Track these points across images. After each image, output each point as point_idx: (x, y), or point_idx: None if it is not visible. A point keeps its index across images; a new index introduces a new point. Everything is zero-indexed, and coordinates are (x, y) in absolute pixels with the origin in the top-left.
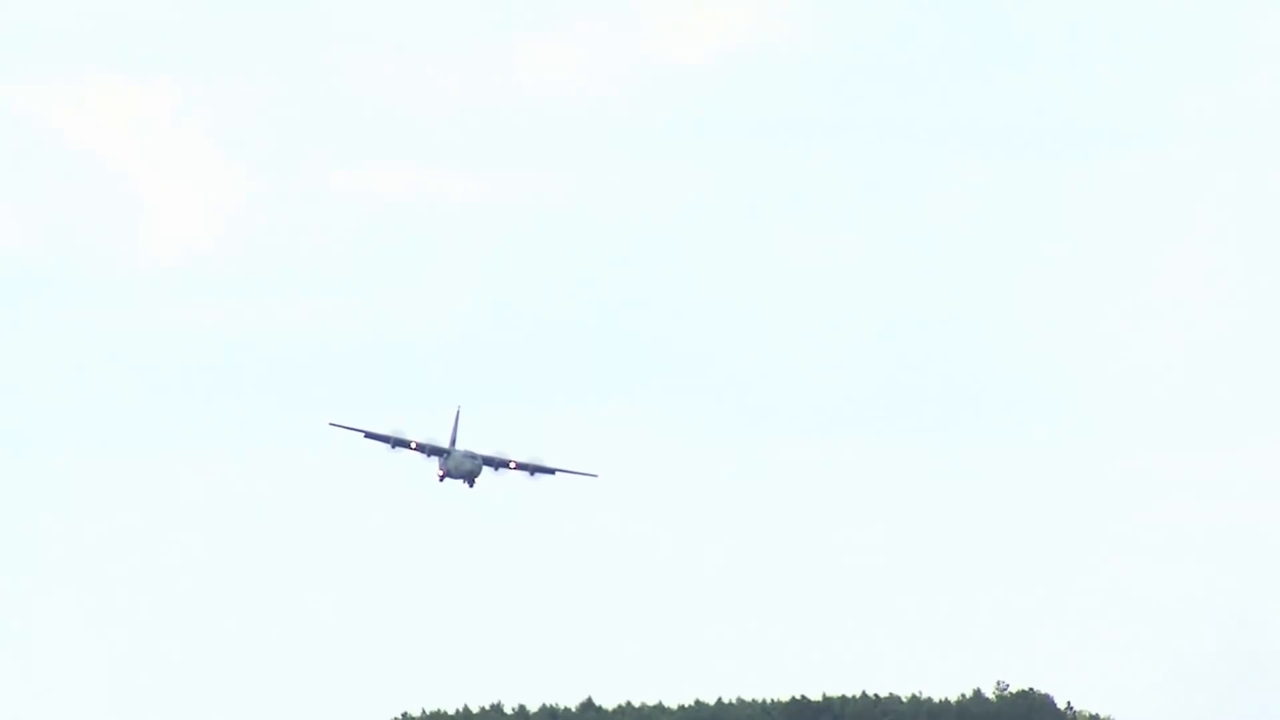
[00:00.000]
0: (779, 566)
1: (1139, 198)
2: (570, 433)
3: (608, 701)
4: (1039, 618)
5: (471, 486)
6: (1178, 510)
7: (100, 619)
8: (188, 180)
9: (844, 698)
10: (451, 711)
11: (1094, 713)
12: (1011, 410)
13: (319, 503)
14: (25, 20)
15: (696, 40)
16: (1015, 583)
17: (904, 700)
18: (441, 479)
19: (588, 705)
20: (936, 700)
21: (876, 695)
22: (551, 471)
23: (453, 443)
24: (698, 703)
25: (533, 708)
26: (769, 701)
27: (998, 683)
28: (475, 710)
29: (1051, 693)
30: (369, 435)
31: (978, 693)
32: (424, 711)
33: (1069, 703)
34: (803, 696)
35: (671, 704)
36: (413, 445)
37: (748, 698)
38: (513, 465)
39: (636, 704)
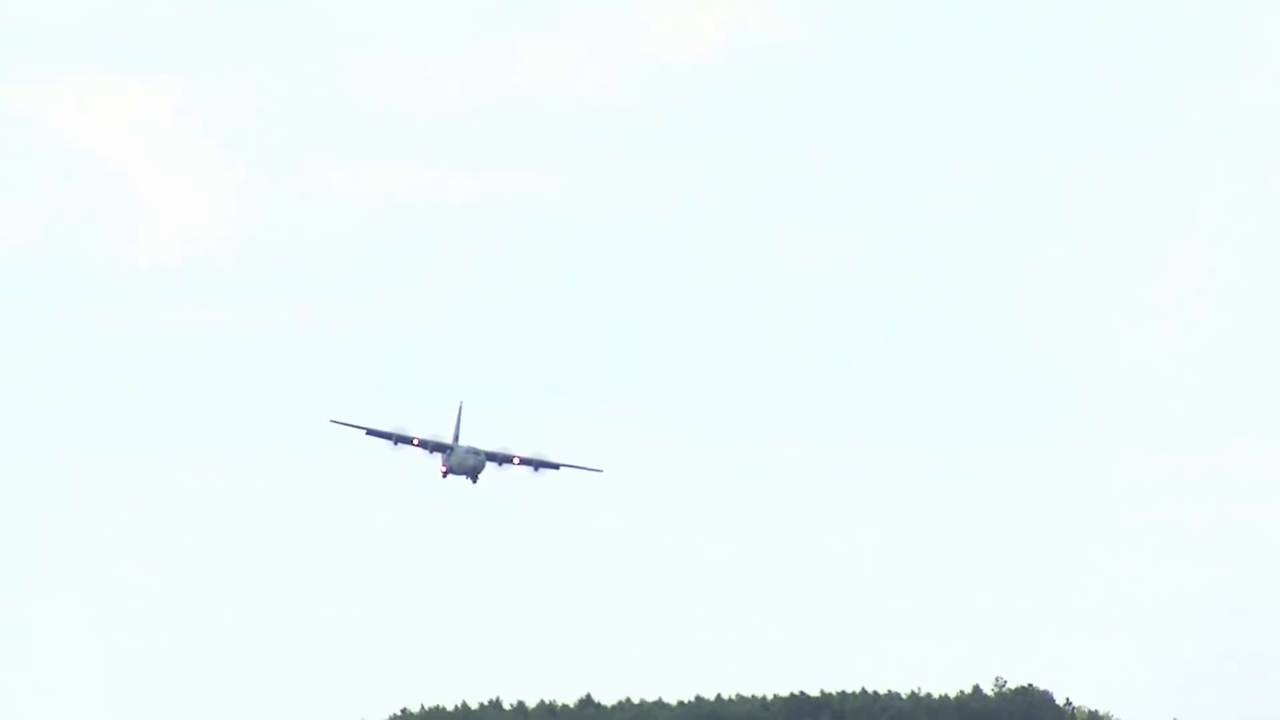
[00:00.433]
0: (779, 563)
1: (1139, 196)
2: (574, 428)
3: (607, 698)
4: (1038, 614)
5: (475, 482)
6: (1176, 508)
7: (101, 617)
8: (188, 179)
9: (843, 694)
10: (451, 708)
11: (1093, 709)
12: (1010, 408)
13: (321, 500)
14: (25, 20)
15: (696, 39)
16: (1014, 579)
17: (903, 697)
18: (445, 475)
19: (587, 702)
20: (936, 696)
21: (876, 692)
22: (556, 467)
23: (455, 439)
24: (697, 699)
25: (531, 704)
26: (768, 698)
27: (996, 679)
28: (474, 706)
29: (1050, 689)
30: (371, 432)
31: (977, 689)
32: (423, 707)
33: (1068, 699)
34: (802, 693)
35: (671, 700)
36: (415, 442)
37: (747, 694)
38: (516, 461)
39: (636, 700)
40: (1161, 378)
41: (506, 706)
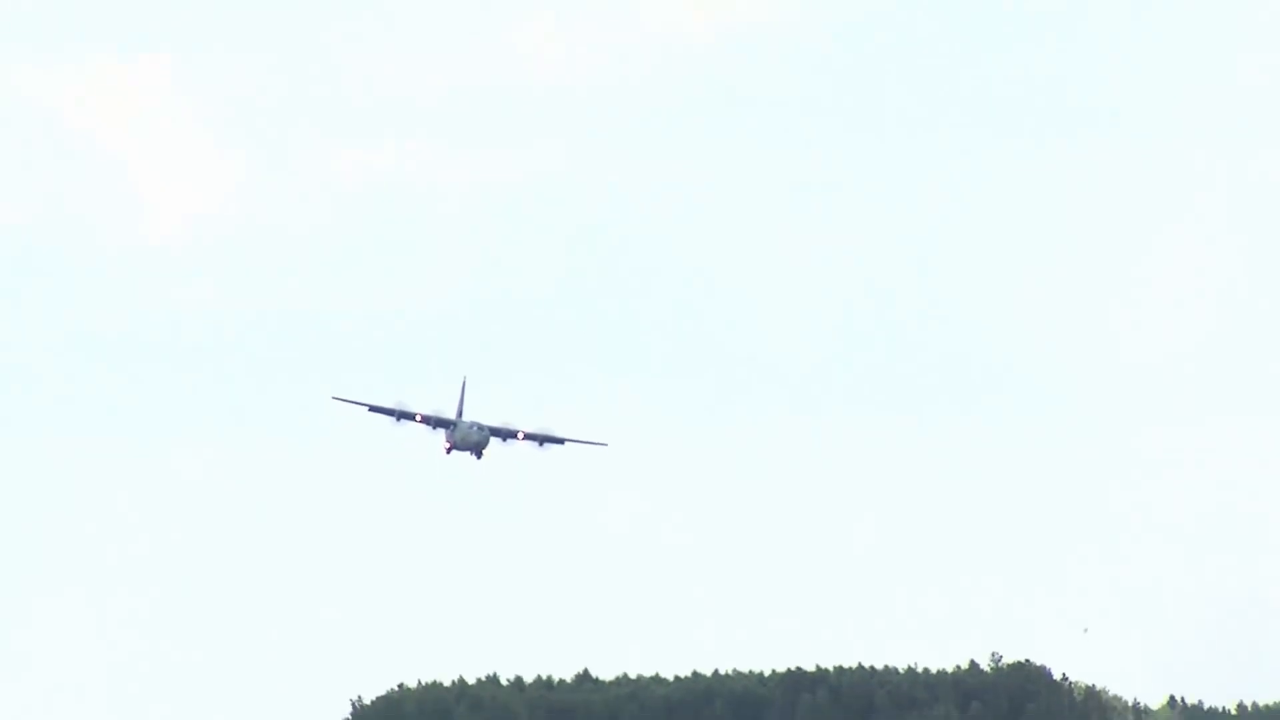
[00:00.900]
0: (777, 539)
1: (1136, 178)
2: (578, 403)
3: (604, 673)
4: (1034, 590)
5: (479, 458)
6: (1173, 485)
7: (103, 595)
8: (184, 158)
9: (840, 669)
10: (448, 683)
11: (1089, 684)
12: (1009, 387)
13: (323, 478)
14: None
15: (693, 17)
16: (1010, 556)
17: (900, 672)
18: (449, 451)
19: (584, 677)
20: (933, 672)
21: (872, 667)
22: (561, 441)
23: (459, 415)
24: (694, 674)
25: (529, 679)
26: (765, 673)
27: (993, 654)
28: (471, 682)
29: (1046, 664)
30: (373, 409)
31: (973, 664)
32: (420, 683)
33: (1064, 674)
34: (799, 668)
35: (668, 675)
36: (418, 418)
37: (744, 669)
38: (521, 436)
39: (633, 675)
40: (1158, 353)
41: (504, 682)
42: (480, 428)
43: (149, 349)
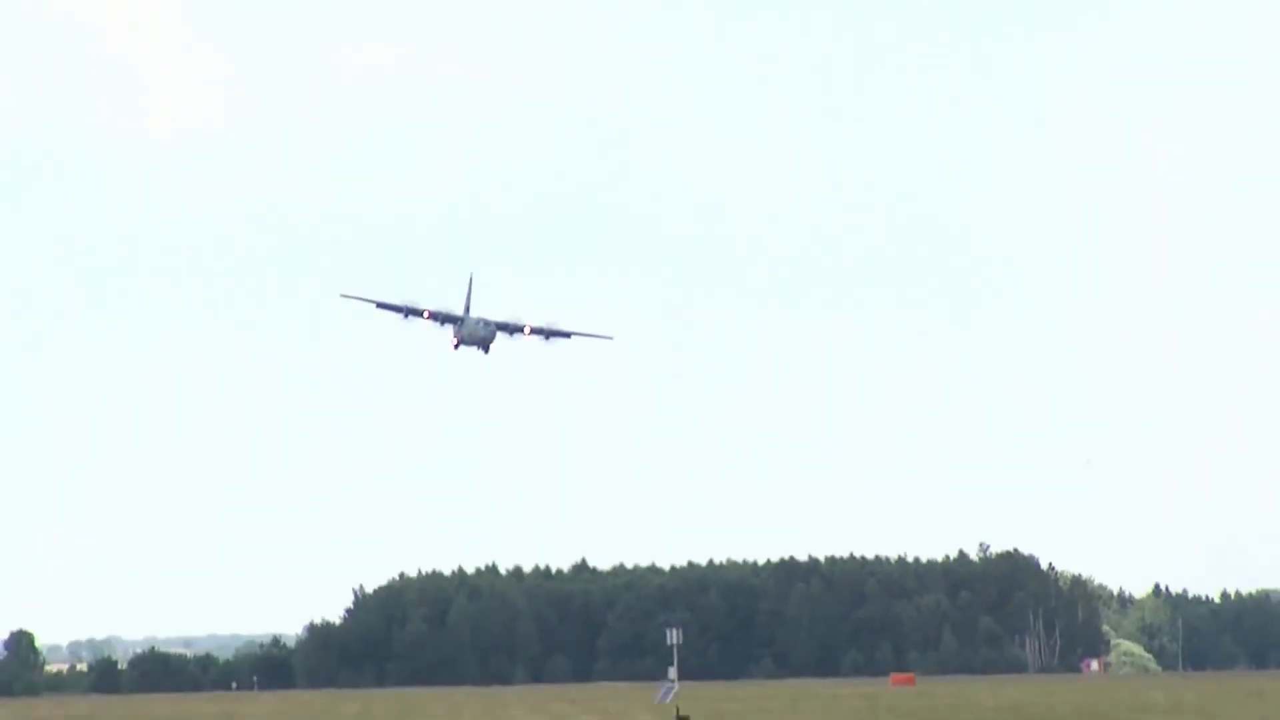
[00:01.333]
0: (772, 431)
1: (1124, 66)
2: (584, 297)
3: (602, 563)
4: (1022, 482)
5: (486, 353)
6: (1161, 380)
7: (113, 489)
8: (190, 58)
9: (832, 559)
10: (448, 573)
11: (1076, 573)
12: (1001, 277)
13: (332, 373)
14: None
15: None
16: (999, 448)
17: (891, 561)
18: (456, 346)
19: (581, 567)
20: (923, 561)
21: (863, 557)
22: (567, 335)
23: (466, 310)
24: (690, 564)
25: (528, 569)
26: (759, 563)
27: (981, 544)
28: (471, 571)
29: (1034, 554)
30: (381, 305)
31: (962, 554)
32: (420, 572)
33: (1051, 564)
34: (791, 558)
35: (664, 565)
36: (425, 314)
37: (738, 559)
38: (527, 330)
39: (629, 566)
40: (1149, 252)
41: (503, 571)
42: (487, 323)
43: (156, 247)
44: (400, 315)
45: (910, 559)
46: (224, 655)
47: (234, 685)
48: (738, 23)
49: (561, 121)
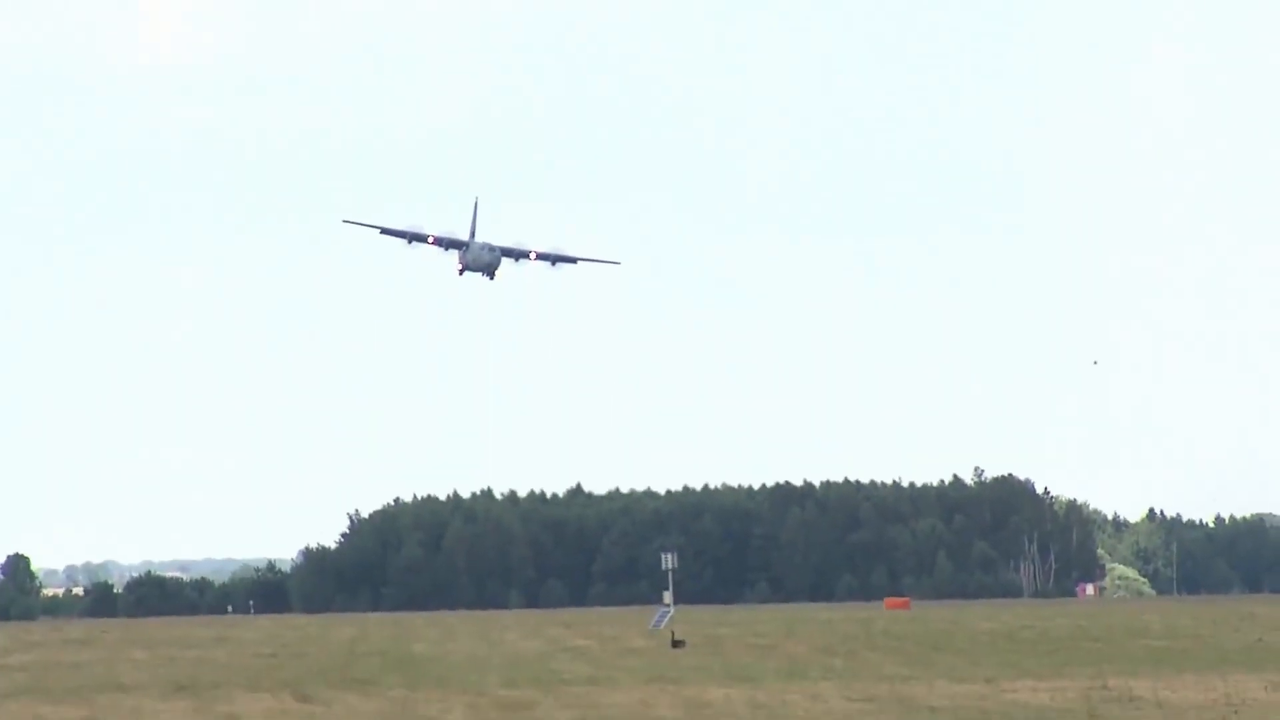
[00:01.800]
0: (768, 356)
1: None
2: (590, 222)
3: (597, 487)
4: (1018, 407)
5: (491, 278)
6: (1156, 305)
7: (110, 410)
8: None
9: (827, 483)
10: (443, 497)
11: (1071, 497)
12: (995, 205)
13: (335, 299)
14: None
15: None
16: (994, 373)
17: (885, 485)
18: (461, 272)
19: (576, 491)
20: (918, 486)
21: (858, 481)
22: (573, 260)
23: (471, 236)
24: (685, 488)
25: (523, 493)
26: (754, 487)
27: (976, 469)
28: (466, 496)
29: (1030, 478)
30: (385, 231)
31: (957, 478)
32: (416, 497)
33: (1046, 488)
34: (787, 482)
35: (659, 489)
36: (430, 240)
37: (733, 483)
38: (533, 256)
39: (625, 490)
40: (1147, 175)
41: (498, 496)
42: (492, 248)
43: (158, 171)
44: (405, 241)
45: (905, 483)
46: (219, 580)
47: (229, 609)
48: None
49: (569, 43)
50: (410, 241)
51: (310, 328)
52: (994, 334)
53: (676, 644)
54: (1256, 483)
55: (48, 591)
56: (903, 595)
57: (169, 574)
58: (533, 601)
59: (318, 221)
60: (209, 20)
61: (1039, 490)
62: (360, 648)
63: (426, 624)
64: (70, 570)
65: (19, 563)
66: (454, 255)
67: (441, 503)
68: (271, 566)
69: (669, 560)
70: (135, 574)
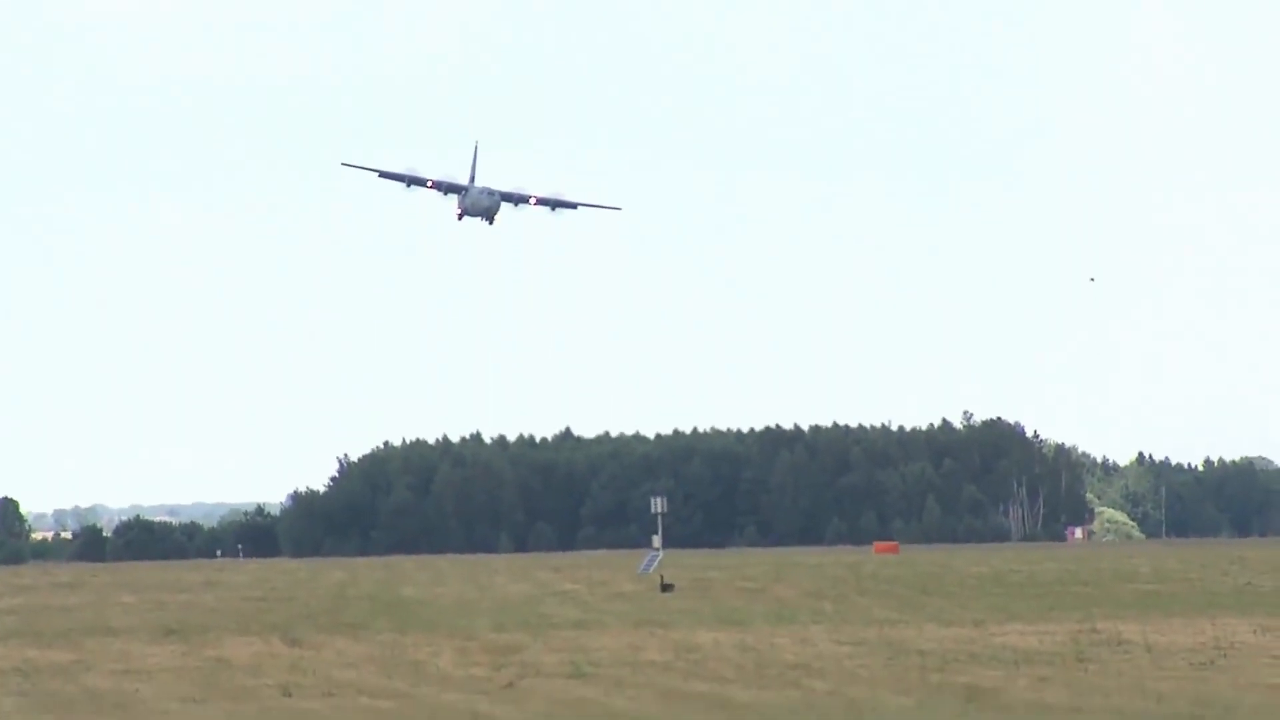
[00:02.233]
0: (757, 300)
1: None
2: (591, 167)
3: (587, 431)
4: (1006, 350)
5: (491, 223)
6: (1146, 249)
7: (101, 355)
8: None
9: (816, 427)
10: (432, 441)
11: (1060, 441)
12: (988, 151)
13: (333, 243)
14: None
15: None
16: (983, 317)
17: (875, 429)
18: (460, 217)
19: (566, 435)
20: (907, 429)
21: (848, 425)
22: (573, 206)
23: (471, 180)
24: (675, 432)
25: (512, 437)
26: (744, 430)
27: (965, 412)
28: (455, 440)
29: (1019, 421)
30: (383, 175)
31: (946, 422)
32: (404, 441)
33: (1035, 431)
34: (776, 425)
35: (648, 433)
36: (429, 184)
37: (723, 427)
38: (533, 201)
39: (614, 434)
40: (1148, 117)
41: (487, 440)
42: (492, 193)
43: (153, 115)
44: (403, 185)
45: (894, 427)
46: (208, 524)
47: (218, 553)
48: None
49: None
50: (409, 185)
51: (304, 270)
52: (984, 277)
53: (665, 588)
54: (1245, 426)
55: (36, 535)
56: (892, 539)
57: (158, 518)
58: (522, 545)
59: (316, 164)
60: None
61: (1028, 434)
62: (349, 591)
63: (416, 568)
64: (59, 514)
65: (8, 506)
66: (453, 199)
67: (431, 446)
68: (260, 510)
69: (658, 504)
70: (124, 518)
